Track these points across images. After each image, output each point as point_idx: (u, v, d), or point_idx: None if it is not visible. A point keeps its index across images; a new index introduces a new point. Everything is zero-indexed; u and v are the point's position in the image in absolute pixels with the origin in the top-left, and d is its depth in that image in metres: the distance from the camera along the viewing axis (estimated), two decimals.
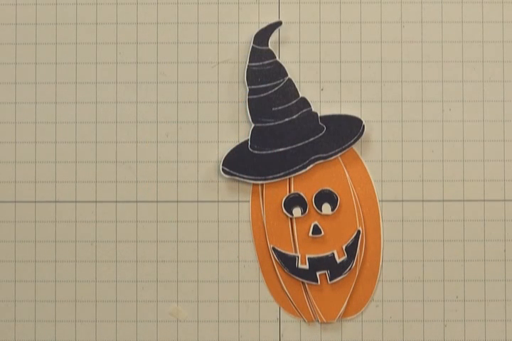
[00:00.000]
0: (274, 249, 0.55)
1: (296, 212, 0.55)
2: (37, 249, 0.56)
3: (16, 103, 0.57)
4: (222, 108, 0.56)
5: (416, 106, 0.56)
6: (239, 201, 0.56)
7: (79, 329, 0.56)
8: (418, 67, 0.56)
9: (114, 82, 0.57)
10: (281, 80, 0.55)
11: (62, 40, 0.56)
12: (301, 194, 0.55)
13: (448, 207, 0.56)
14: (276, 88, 0.55)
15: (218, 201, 0.56)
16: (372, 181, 0.56)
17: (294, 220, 0.56)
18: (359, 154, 0.56)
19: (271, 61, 0.55)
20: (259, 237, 0.56)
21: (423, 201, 0.56)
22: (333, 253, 0.55)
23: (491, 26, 0.57)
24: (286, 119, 0.55)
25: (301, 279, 0.55)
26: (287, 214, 0.55)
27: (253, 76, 0.55)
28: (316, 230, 0.55)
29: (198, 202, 0.56)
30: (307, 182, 0.56)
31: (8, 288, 0.56)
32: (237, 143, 0.56)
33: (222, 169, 0.55)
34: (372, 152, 0.56)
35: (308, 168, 0.55)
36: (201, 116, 0.56)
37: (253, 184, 0.56)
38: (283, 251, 0.55)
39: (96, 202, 0.56)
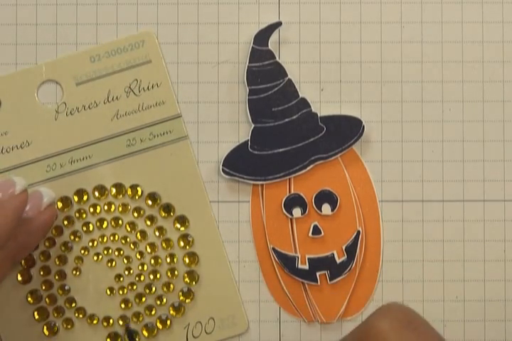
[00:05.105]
0: (274, 249, 0.55)
1: (296, 212, 0.55)
2: None
3: None
4: (222, 108, 0.56)
5: (416, 106, 0.56)
6: (239, 201, 0.56)
7: None
8: (418, 67, 0.56)
9: None
10: (281, 81, 0.55)
11: (62, 40, 0.56)
12: (301, 194, 0.55)
13: (448, 207, 0.56)
14: (276, 88, 0.55)
15: (218, 201, 0.56)
16: (372, 181, 0.56)
17: (293, 220, 0.56)
18: (359, 154, 0.56)
19: (271, 61, 0.55)
20: (259, 237, 0.56)
21: (423, 201, 0.56)
22: (333, 254, 0.55)
23: (491, 26, 0.56)
24: (286, 120, 0.55)
25: (301, 279, 0.55)
26: (287, 214, 0.55)
27: (253, 76, 0.55)
28: (316, 230, 0.55)
29: None
30: (307, 182, 0.56)
31: None
32: (237, 144, 0.56)
33: (222, 169, 0.55)
34: (372, 152, 0.56)
35: (308, 168, 0.55)
36: (201, 116, 0.56)
37: (253, 184, 0.56)
38: (283, 252, 0.55)
39: None
